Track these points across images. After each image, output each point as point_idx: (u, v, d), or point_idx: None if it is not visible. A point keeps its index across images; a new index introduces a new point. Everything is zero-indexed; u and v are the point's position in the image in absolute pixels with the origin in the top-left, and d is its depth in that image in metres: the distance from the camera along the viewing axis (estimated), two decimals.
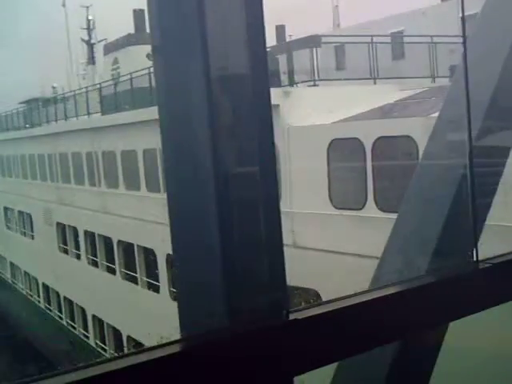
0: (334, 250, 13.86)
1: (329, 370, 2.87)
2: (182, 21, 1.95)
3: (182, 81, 1.98)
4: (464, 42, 3.19)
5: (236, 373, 1.93)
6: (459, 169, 3.00)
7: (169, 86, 2.04)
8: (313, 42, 17.64)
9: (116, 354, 23.57)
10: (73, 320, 28.46)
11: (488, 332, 5.26)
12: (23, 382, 1.67)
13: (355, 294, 2.34)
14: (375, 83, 17.16)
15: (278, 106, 15.76)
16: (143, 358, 1.76)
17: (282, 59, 17.86)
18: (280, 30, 38.27)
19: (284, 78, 17.58)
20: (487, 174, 3.31)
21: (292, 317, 2.07)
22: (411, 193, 3.77)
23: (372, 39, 17.41)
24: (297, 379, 2.13)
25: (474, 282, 2.69)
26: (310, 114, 15.63)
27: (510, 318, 3.74)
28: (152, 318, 18.39)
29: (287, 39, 35.05)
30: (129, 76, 23.79)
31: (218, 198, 1.94)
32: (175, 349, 1.85)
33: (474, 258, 2.74)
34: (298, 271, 15.51)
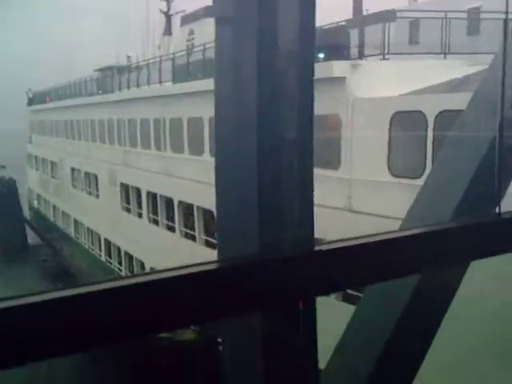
0: (389, 215, 14.14)
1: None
2: None
3: (235, 54, 2.13)
4: (506, 20, 3.46)
5: (263, 293, 2.12)
6: (489, 135, 3.24)
7: (225, 58, 2.18)
8: (388, 16, 17.77)
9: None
10: (131, 272, 29.40)
11: (503, 277, 5.56)
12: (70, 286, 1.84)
13: (381, 233, 2.49)
14: (445, 58, 17.27)
15: (344, 78, 16.17)
16: (183, 271, 1.98)
17: (354, 33, 18.10)
18: (357, 2, 38.14)
19: (355, 51, 17.78)
20: None
21: (317, 248, 2.23)
22: (445, 152, 4.01)
23: (446, 15, 17.51)
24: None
25: (495, 230, 2.94)
26: (376, 87, 15.90)
27: None
28: None
29: (364, 13, 35.08)
30: (202, 47, 24.41)
31: (259, 147, 2.11)
32: (210, 267, 2.05)
33: (497, 211, 2.99)
34: (349, 234, 16.00)
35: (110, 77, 37.08)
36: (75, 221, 38.88)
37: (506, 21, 3.75)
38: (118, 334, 1.90)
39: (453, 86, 15.09)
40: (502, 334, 6.83)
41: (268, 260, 2.12)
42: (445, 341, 3.52)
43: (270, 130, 2.11)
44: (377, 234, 2.48)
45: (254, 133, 2.08)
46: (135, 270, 28.85)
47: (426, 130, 14.25)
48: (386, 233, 2.50)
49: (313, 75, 2.18)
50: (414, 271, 2.74)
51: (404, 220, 3.52)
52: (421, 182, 12.70)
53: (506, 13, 3.71)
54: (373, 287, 2.96)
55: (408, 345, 3.12)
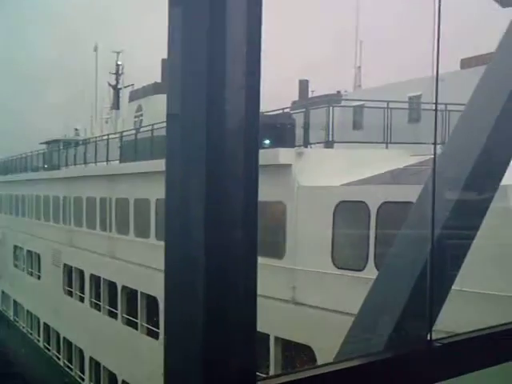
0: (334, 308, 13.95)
1: None
2: (192, 88, 2.13)
3: (185, 145, 2.16)
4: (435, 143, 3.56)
5: None
6: (422, 259, 3.37)
7: (176, 146, 2.20)
8: (332, 100, 17.98)
9: None
10: (70, 361, 28.44)
11: None
12: None
13: (322, 365, 2.58)
14: (387, 147, 17.47)
15: (289, 165, 16.14)
16: None
17: (299, 117, 18.22)
18: (303, 84, 38.99)
19: (300, 135, 17.84)
20: (447, 264, 3.66)
21: None
22: (386, 264, 4.13)
23: (388, 105, 17.80)
24: None
25: (427, 358, 2.99)
26: (321, 175, 15.91)
27: None
28: (148, 364, 18.40)
29: (310, 94, 35.77)
30: (150, 127, 24.35)
31: (207, 259, 2.10)
32: None
33: (428, 338, 3.05)
34: (295, 327, 15.51)
35: (57, 151, 36.78)
36: (15, 302, 37.61)
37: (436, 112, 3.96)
38: None
39: (394, 177, 15.19)
40: None
41: None
42: None
43: (217, 217, 2.13)
44: (312, 368, 2.56)
45: (202, 222, 2.09)
46: (73, 359, 27.88)
47: (369, 221, 14.20)
48: (321, 366, 2.58)
49: (257, 161, 2.21)
50: None
51: (340, 347, 3.56)
52: (363, 274, 12.38)
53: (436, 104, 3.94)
54: None
55: None
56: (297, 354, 15.55)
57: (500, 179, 4.02)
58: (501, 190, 4.03)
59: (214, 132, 2.10)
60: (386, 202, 13.92)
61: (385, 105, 17.80)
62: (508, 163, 4.06)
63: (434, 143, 3.50)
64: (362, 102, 20.68)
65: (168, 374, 2.22)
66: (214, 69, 2.10)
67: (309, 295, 14.99)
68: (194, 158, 2.12)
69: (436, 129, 3.68)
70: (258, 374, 2.25)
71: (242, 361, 2.19)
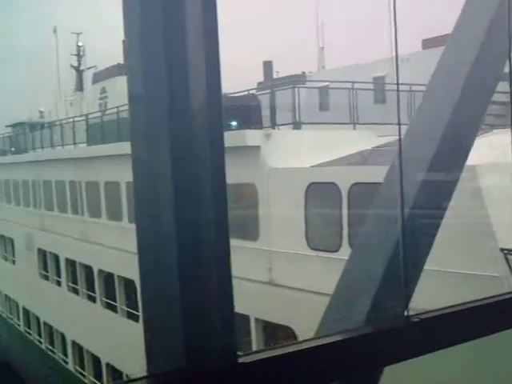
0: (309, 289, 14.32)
1: None
2: (153, 71, 2.13)
3: (151, 125, 2.16)
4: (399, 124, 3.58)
5: None
6: (394, 237, 3.45)
7: (140, 128, 2.21)
8: (297, 80, 18.00)
9: (95, 382, 23.83)
10: (52, 345, 28.65)
11: (417, 377, 5.87)
12: None
13: (302, 341, 2.62)
14: (355, 128, 17.75)
15: (258, 147, 16.32)
16: None
17: (265, 97, 18.33)
18: (267, 65, 38.97)
19: (266, 117, 17.95)
20: (418, 243, 3.72)
21: (241, 360, 2.28)
22: (358, 244, 4.23)
23: (353, 85, 18.02)
24: None
25: (405, 334, 3.05)
26: (290, 157, 16.12)
27: (433, 366, 4.28)
28: (129, 346, 18.73)
29: (274, 75, 35.79)
30: (115, 109, 24.32)
31: (179, 241, 2.13)
32: None
33: (406, 314, 3.13)
34: (274, 308, 15.88)
35: (23, 134, 36.44)
36: None
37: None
38: None
39: (363, 158, 15.52)
40: None
41: (195, 374, 2.15)
42: None
43: (188, 199, 2.15)
44: (292, 344, 2.59)
45: (172, 203, 2.11)
46: (55, 343, 28.10)
47: (341, 202, 14.52)
48: (302, 342, 2.61)
49: (223, 142, 2.21)
50: (334, 379, 2.81)
51: (319, 326, 3.64)
52: (339, 255, 12.63)
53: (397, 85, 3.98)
54: None
55: None
56: (278, 334, 15.96)
57: (466, 157, 4.07)
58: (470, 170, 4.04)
59: (177, 113, 2.10)
60: (356, 183, 14.24)
61: (350, 86, 18.01)
62: (473, 141, 4.08)
63: (398, 123, 3.50)
64: (327, 83, 20.85)
65: (149, 355, 2.24)
66: (173, 47, 2.10)
67: (285, 277, 15.34)
68: (159, 139, 2.13)
69: (399, 109, 3.65)
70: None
71: (222, 338, 2.24)
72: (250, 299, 14.23)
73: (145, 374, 2.19)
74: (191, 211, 2.15)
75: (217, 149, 2.21)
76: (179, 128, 2.11)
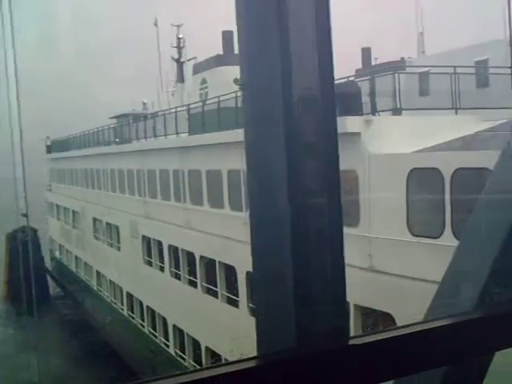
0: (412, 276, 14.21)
1: None
2: (266, 60, 2.16)
3: (264, 113, 2.20)
4: None
5: None
6: (510, 219, 3.25)
7: (254, 116, 2.25)
8: (397, 66, 17.80)
9: (195, 365, 24.44)
10: (154, 329, 29.47)
11: None
12: None
13: (411, 325, 2.57)
14: (457, 113, 17.40)
15: (358, 134, 16.32)
16: (220, 371, 2.01)
17: (365, 85, 18.26)
18: (366, 52, 38.60)
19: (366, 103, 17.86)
20: None
21: (351, 342, 2.30)
22: (467, 230, 4.07)
23: (455, 70, 17.67)
24: None
25: None
26: (390, 143, 16.03)
27: None
28: (230, 331, 19.18)
29: (373, 62, 35.45)
30: (216, 99, 24.83)
31: (292, 226, 2.16)
32: (250, 364, 2.09)
33: None
34: (373, 294, 15.81)
35: (127, 125, 37.67)
36: (97, 273, 39.08)
37: None
38: None
39: (465, 143, 15.20)
40: None
41: (306, 355, 2.18)
42: None
43: (301, 185, 2.18)
44: (406, 326, 2.55)
45: (285, 190, 2.15)
46: (157, 327, 28.96)
47: (444, 188, 14.32)
48: (414, 324, 2.59)
49: (336, 129, 2.24)
50: (444, 363, 2.80)
51: (427, 311, 3.57)
52: (440, 241, 12.43)
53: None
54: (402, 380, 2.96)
55: None
56: (376, 321, 15.92)
57: None
58: None
59: (289, 102, 2.12)
60: (459, 169, 14.01)
61: (451, 70, 17.65)
62: None
63: None
64: (427, 69, 20.51)
65: (260, 336, 2.28)
66: (286, 35, 2.11)
67: (386, 263, 15.29)
68: (272, 126, 2.15)
69: None
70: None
71: (333, 321, 2.27)
72: (350, 285, 14.20)
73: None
74: (305, 197, 2.18)
75: (330, 136, 2.23)
76: (292, 115, 2.13)
